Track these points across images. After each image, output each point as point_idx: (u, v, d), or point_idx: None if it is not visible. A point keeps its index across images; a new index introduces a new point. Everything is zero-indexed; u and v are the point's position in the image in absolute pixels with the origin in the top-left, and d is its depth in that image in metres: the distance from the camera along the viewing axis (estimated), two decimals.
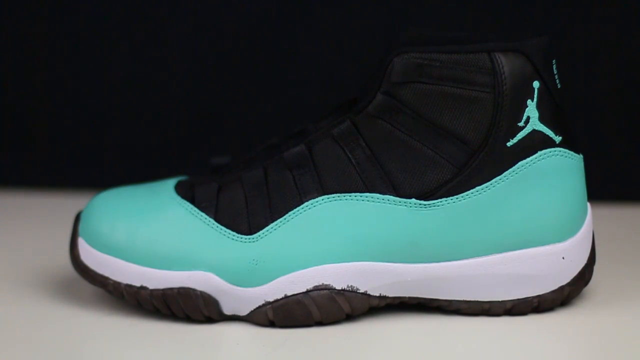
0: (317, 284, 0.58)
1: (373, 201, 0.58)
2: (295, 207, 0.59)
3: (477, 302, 0.59)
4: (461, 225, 0.58)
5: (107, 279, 0.60)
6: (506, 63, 0.57)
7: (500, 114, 0.58)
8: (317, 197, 0.58)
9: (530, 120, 0.58)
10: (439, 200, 0.58)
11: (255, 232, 0.59)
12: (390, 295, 0.59)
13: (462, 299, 0.59)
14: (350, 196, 0.58)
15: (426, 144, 0.58)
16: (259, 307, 0.59)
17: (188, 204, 0.60)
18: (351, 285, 0.58)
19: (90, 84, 0.93)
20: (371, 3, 0.89)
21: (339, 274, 0.58)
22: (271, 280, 0.58)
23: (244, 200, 0.60)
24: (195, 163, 0.81)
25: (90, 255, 0.61)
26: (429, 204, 0.58)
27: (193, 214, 0.60)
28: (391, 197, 0.58)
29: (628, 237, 0.78)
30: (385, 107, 0.58)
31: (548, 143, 0.58)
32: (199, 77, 0.92)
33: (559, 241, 0.59)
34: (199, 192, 0.60)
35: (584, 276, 0.60)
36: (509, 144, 0.58)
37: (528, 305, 0.59)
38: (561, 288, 0.60)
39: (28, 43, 0.93)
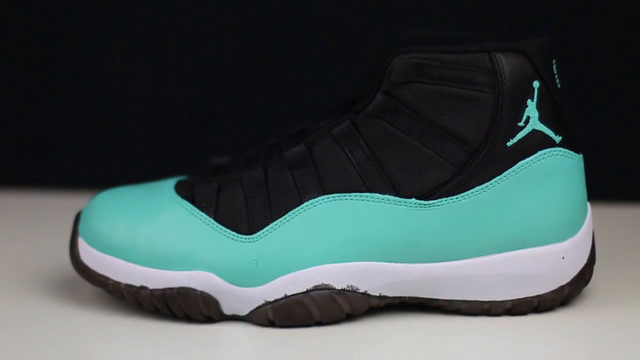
0: (317, 284, 0.58)
1: (373, 201, 0.58)
2: (295, 207, 0.59)
3: (477, 302, 0.59)
4: (461, 225, 0.58)
5: (107, 279, 0.60)
6: (506, 63, 0.57)
7: (500, 113, 0.58)
8: (317, 197, 0.58)
9: (530, 120, 0.58)
10: (439, 200, 0.58)
11: (255, 232, 0.59)
12: (390, 295, 0.59)
13: (462, 299, 0.59)
14: (350, 196, 0.58)
15: (426, 143, 0.58)
16: (259, 307, 0.59)
17: (188, 203, 0.60)
18: (351, 285, 0.58)
19: (90, 84, 0.93)
20: (371, 3, 0.89)
21: (339, 274, 0.58)
22: (271, 280, 0.58)
23: (244, 200, 0.60)
24: (195, 163, 0.81)
25: (90, 255, 0.61)
26: (428, 204, 0.58)
27: (193, 213, 0.60)
28: (391, 197, 0.58)
29: (628, 237, 0.78)
30: (385, 107, 0.58)
31: (548, 143, 0.58)
32: (199, 77, 0.92)
33: (559, 241, 0.59)
34: (199, 192, 0.60)
35: (583, 276, 0.60)
36: (509, 143, 0.58)
37: (528, 305, 0.59)
38: (561, 288, 0.60)
39: (28, 43, 0.93)
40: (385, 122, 0.58)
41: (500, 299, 0.59)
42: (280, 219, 0.59)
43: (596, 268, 0.63)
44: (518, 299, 0.59)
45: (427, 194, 0.58)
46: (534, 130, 0.58)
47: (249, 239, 0.59)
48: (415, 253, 0.58)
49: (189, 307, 0.59)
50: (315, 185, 0.59)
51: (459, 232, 0.58)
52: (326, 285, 0.58)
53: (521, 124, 0.58)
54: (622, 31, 0.87)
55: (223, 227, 0.59)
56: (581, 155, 0.60)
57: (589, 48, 0.87)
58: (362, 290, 0.59)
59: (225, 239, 0.59)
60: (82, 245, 0.61)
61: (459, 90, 0.57)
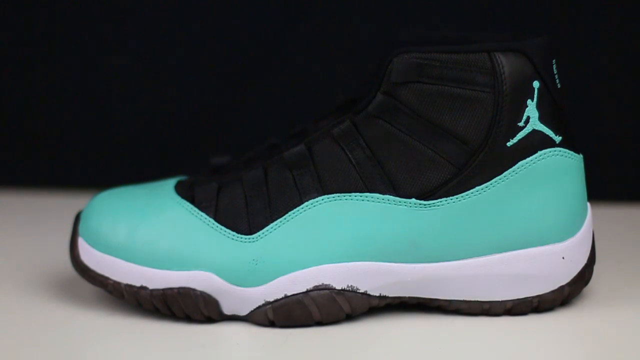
0: (317, 284, 0.58)
1: (373, 201, 0.58)
2: (295, 207, 0.59)
3: (477, 302, 0.59)
4: (461, 225, 0.58)
5: (107, 279, 0.60)
6: (506, 63, 0.57)
7: (500, 113, 0.58)
8: (317, 197, 0.58)
9: (530, 120, 0.58)
10: (439, 200, 0.58)
11: (255, 232, 0.59)
12: (390, 295, 0.59)
13: (462, 299, 0.59)
14: (350, 196, 0.58)
15: (426, 144, 0.58)
16: (259, 307, 0.59)
17: (188, 204, 0.60)
18: (351, 285, 0.58)
19: (90, 84, 0.93)
20: (371, 3, 0.89)
21: (339, 274, 0.58)
22: (271, 280, 0.58)
23: (244, 200, 0.60)
24: (195, 163, 0.81)
25: (90, 255, 0.61)
26: (429, 204, 0.58)
27: (193, 214, 0.60)
28: (391, 197, 0.58)
29: (628, 237, 0.78)
30: (385, 107, 0.58)
31: (548, 143, 0.58)
32: (199, 77, 0.92)
33: (559, 241, 0.59)
34: (199, 192, 0.60)
35: (584, 276, 0.60)
36: (509, 144, 0.58)
37: (528, 305, 0.59)
38: (561, 288, 0.60)
39: (28, 43, 0.93)
40: (385, 122, 0.58)
41: (500, 299, 0.59)
42: (281, 219, 0.59)
43: (596, 268, 0.63)
44: (518, 299, 0.59)
45: (427, 194, 0.58)
46: (534, 130, 0.58)
47: (249, 239, 0.59)
48: (415, 253, 0.58)
49: (189, 307, 0.59)
50: (315, 185, 0.59)
51: (459, 232, 0.58)
52: (326, 285, 0.58)
53: (521, 124, 0.58)
54: (622, 31, 0.87)
55: (223, 227, 0.59)
56: (581, 155, 0.60)
57: (589, 48, 0.87)
58: (362, 290, 0.59)
59: (225, 239, 0.59)
60: (82, 245, 0.61)
61: (459, 90, 0.57)
